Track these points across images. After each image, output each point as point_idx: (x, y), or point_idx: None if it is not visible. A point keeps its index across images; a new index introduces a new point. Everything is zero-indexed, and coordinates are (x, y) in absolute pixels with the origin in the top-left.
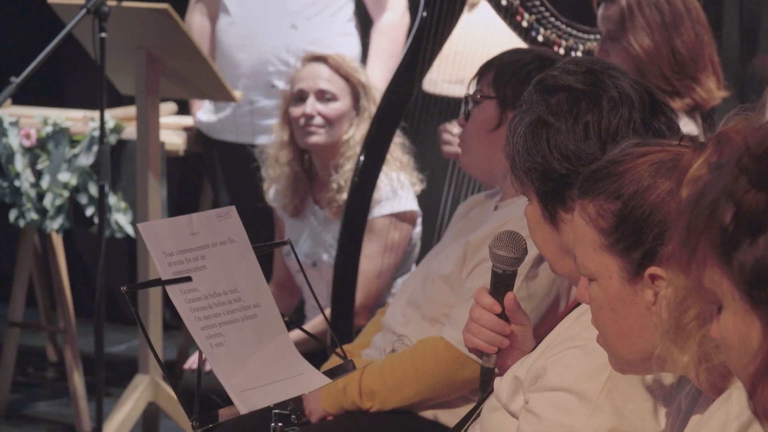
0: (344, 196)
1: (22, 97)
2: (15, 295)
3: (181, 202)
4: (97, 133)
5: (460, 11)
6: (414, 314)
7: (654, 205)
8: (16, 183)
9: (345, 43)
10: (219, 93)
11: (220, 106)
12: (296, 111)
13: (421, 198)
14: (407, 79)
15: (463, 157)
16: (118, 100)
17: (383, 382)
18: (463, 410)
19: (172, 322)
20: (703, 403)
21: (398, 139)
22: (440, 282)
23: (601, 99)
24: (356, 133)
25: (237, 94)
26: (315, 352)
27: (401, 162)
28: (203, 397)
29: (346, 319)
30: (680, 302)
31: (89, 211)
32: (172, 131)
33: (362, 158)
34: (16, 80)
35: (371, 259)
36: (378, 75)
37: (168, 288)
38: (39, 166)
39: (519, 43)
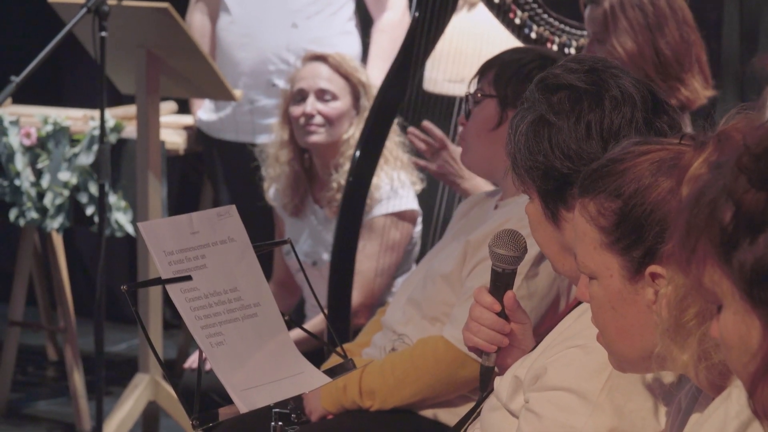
0: None
1: (22, 96)
2: (15, 294)
3: (181, 201)
4: (97, 132)
5: (453, 11)
6: (414, 313)
7: (655, 203)
8: (17, 182)
9: (345, 42)
10: (219, 92)
11: (221, 105)
12: (296, 110)
13: (422, 197)
14: (400, 78)
15: (464, 155)
16: (119, 99)
17: (383, 381)
18: (463, 409)
19: (173, 321)
20: (703, 401)
21: (398, 138)
22: (440, 281)
23: (603, 98)
24: (356, 132)
25: (237, 93)
26: (314, 352)
27: (401, 161)
28: (203, 396)
29: (343, 318)
30: (680, 300)
31: (89, 210)
32: (172, 130)
33: (356, 158)
34: (16, 79)
35: (371, 259)
36: (378, 74)
37: (168, 287)
38: (39, 165)
39: (519, 41)
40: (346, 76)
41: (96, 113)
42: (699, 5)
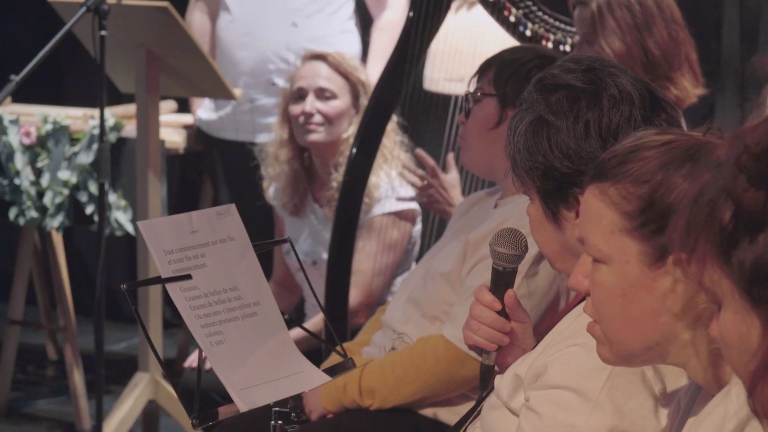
0: None
1: (22, 95)
2: (15, 294)
3: (181, 200)
4: (97, 131)
5: (447, 10)
6: (414, 312)
7: (683, 191)
8: (16, 181)
9: (345, 41)
10: (219, 91)
11: (221, 104)
12: (296, 109)
13: None
14: (395, 77)
15: (464, 154)
16: (118, 98)
17: (383, 380)
18: (463, 408)
19: (172, 320)
20: (702, 401)
21: (398, 138)
22: (440, 280)
23: (601, 97)
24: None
25: (237, 92)
26: (314, 351)
27: (401, 160)
28: (203, 395)
29: (340, 317)
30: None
31: (89, 209)
32: (172, 129)
33: (352, 156)
34: (16, 78)
35: (371, 258)
36: (378, 73)
37: (168, 286)
38: (39, 164)
39: (514, 39)
40: (346, 75)
41: (96, 112)
42: (699, 4)
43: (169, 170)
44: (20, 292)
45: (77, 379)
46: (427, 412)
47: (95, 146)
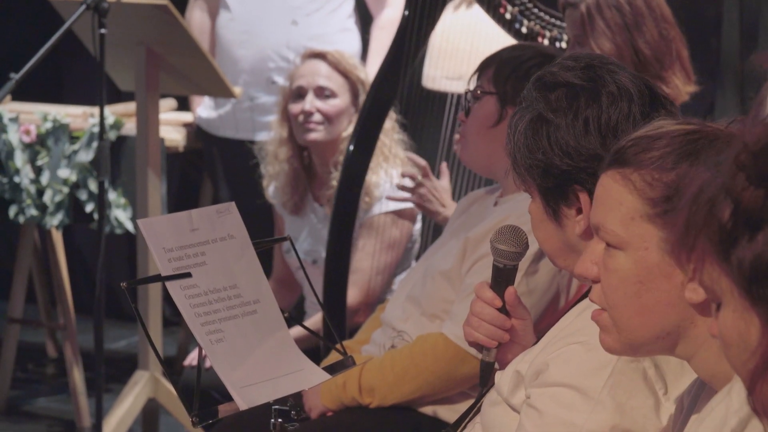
0: None
1: (21, 93)
2: (15, 292)
3: (180, 199)
4: (96, 129)
5: (442, 8)
6: (414, 310)
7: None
8: (16, 179)
9: (345, 40)
10: (219, 89)
11: (220, 102)
12: (295, 108)
13: None
14: (392, 75)
15: (464, 152)
16: (118, 96)
17: (383, 378)
18: (463, 406)
19: (172, 318)
20: (705, 398)
21: (397, 136)
22: (440, 278)
23: (600, 94)
24: None
25: (237, 90)
26: (314, 349)
27: (401, 159)
28: (203, 393)
29: (338, 315)
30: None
31: (89, 208)
32: (171, 127)
33: (349, 154)
34: (15, 76)
35: (371, 257)
36: None
37: (168, 284)
38: (39, 162)
39: (510, 36)
40: (345, 74)
41: (95, 110)
42: (699, 3)
43: (168, 168)
44: (20, 290)
45: (77, 377)
46: (427, 410)
47: (95, 144)
